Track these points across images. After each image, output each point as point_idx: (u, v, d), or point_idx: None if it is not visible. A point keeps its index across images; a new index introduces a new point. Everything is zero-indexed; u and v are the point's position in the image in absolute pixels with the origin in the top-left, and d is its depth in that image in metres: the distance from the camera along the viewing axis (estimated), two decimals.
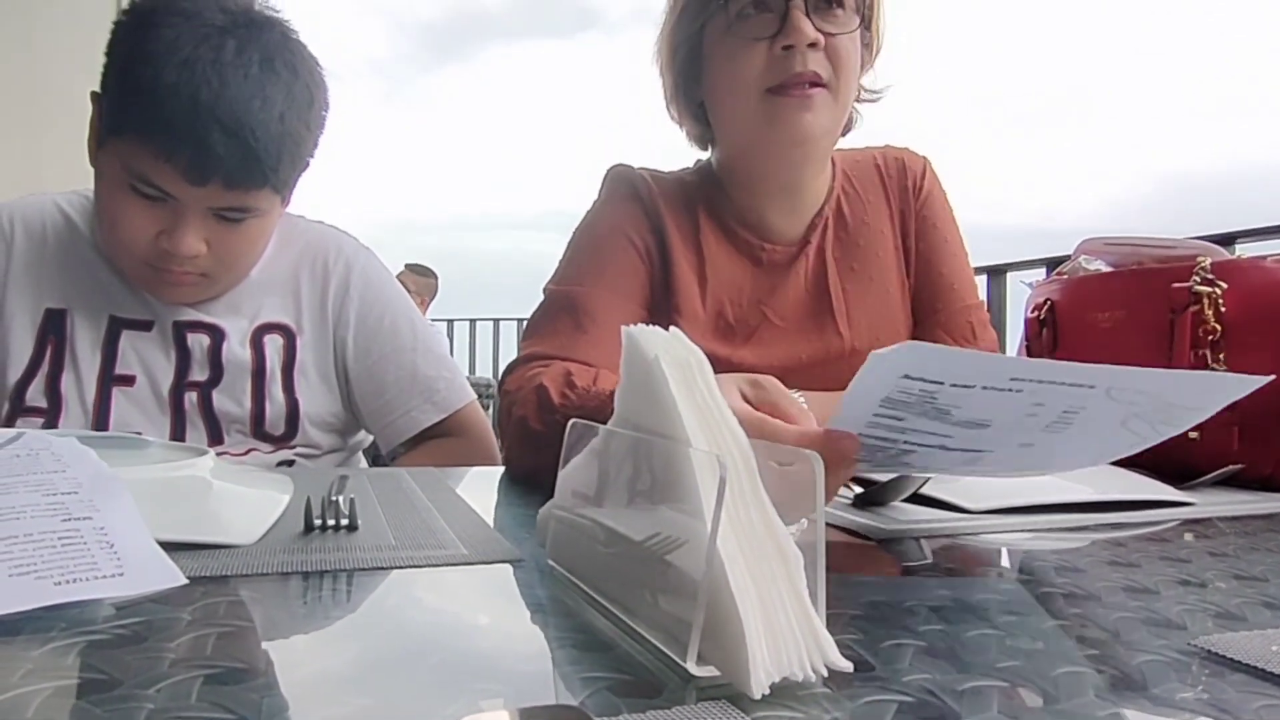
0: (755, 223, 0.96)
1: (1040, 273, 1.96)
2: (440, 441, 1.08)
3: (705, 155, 1.02)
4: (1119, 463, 0.79)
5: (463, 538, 0.49)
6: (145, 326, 0.98)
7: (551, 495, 0.45)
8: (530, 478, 0.79)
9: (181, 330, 0.98)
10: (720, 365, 0.97)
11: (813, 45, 0.83)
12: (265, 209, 0.93)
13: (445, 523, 0.54)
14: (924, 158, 1.03)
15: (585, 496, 0.43)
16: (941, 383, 0.43)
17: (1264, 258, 0.85)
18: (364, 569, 0.43)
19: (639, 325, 0.40)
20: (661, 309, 0.93)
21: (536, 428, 0.76)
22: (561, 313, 0.90)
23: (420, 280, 4.32)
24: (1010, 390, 0.43)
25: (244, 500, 0.52)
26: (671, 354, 0.38)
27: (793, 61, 0.84)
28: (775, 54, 0.84)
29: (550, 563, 0.45)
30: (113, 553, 0.36)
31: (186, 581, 0.37)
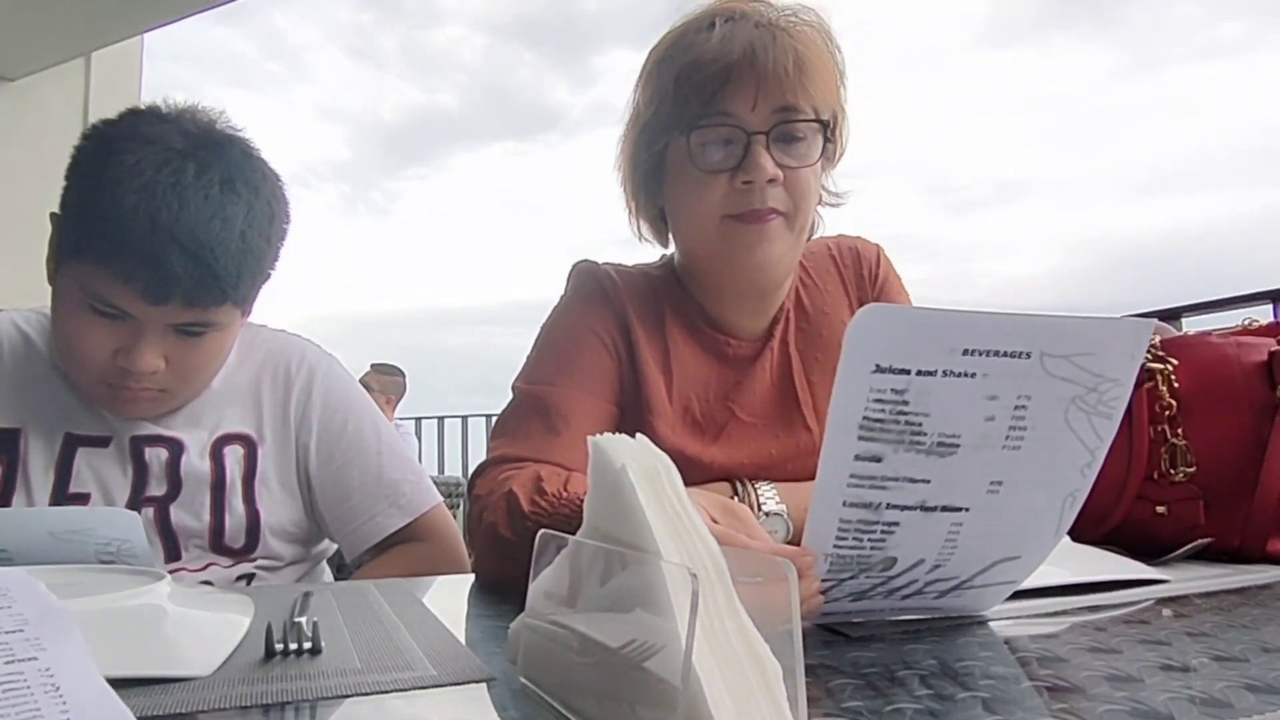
0: (719, 321, 0.96)
1: None
2: (407, 547, 1.06)
3: (668, 251, 1.02)
4: (1090, 542, 0.80)
5: (432, 656, 0.48)
6: (102, 443, 0.95)
7: (522, 605, 0.44)
8: (500, 585, 0.77)
9: (139, 445, 0.96)
10: (691, 464, 0.96)
11: (772, 181, 0.84)
12: (225, 323, 0.93)
13: (413, 640, 0.52)
14: (877, 245, 1.04)
15: (558, 604, 0.41)
16: (908, 370, 0.48)
17: (1209, 333, 0.88)
18: (327, 697, 0.41)
19: (605, 435, 0.40)
20: (631, 406, 0.92)
21: (506, 535, 0.75)
22: (532, 413, 0.89)
23: (386, 380, 4.28)
24: (966, 375, 0.49)
25: (201, 627, 0.49)
26: (639, 462, 0.38)
27: (752, 196, 0.84)
28: (736, 186, 0.84)
29: (522, 680, 0.43)
30: (59, 697, 0.34)
31: None
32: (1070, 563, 0.69)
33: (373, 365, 4.28)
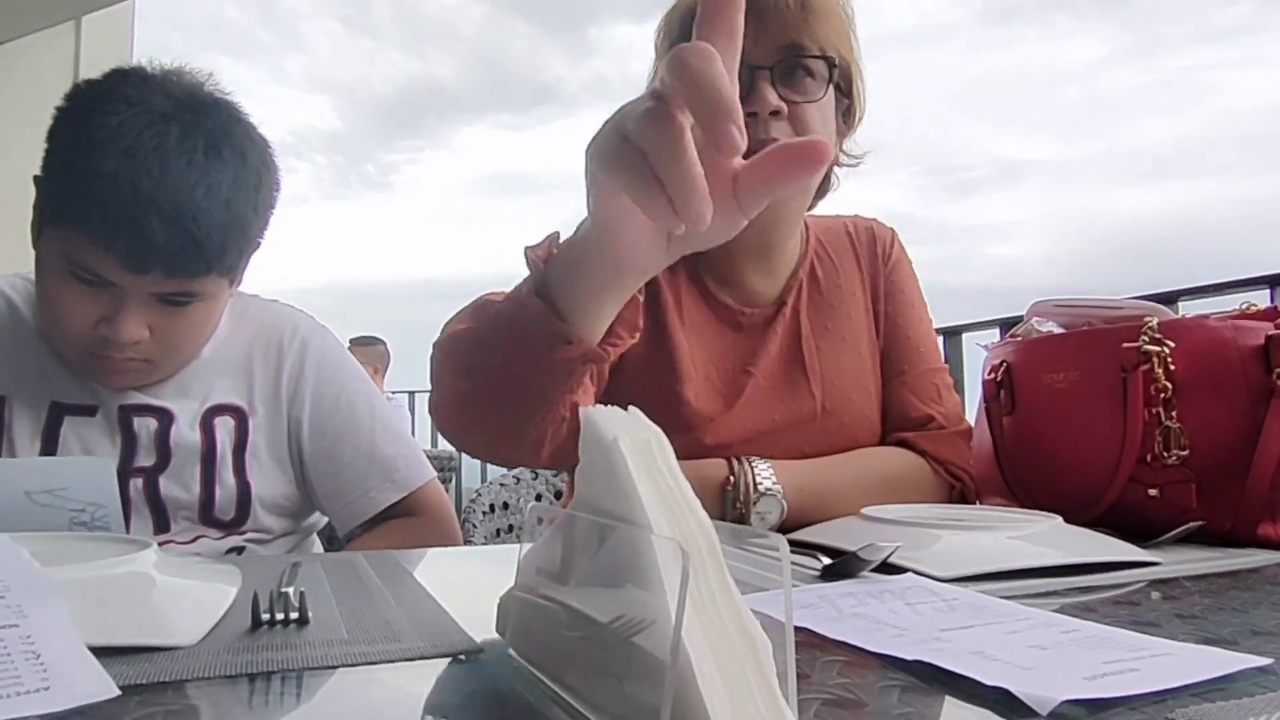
0: (733, 284, 0.98)
1: (994, 333, 2.00)
2: (399, 522, 1.06)
3: None
4: (1082, 524, 0.80)
5: (420, 628, 0.47)
6: (89, 412, 0.95)
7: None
8: (454, 406, 0.75)
9: (128, 415, 0.95)
10: (710, 429, 0.95)
11: (775, 113, 0.84)
12: (211, 293, 0.91)
13: (402, 611, 0.52)
14: (891, 228, 1.08)
15: (548, 578, 0.41)
16: None
17: (1207, 316, 0.88)
18: (313, 668, 0.41)
19: (597, 407, 0.39)
20: (658, 371, 0.92)
21: (461, 328, 0.72)
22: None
23: (369, 350, 4.25)
24: None
25: (187, 596, 0.49)
26: (631, 435, 0.37)
27: (756, 129, 0.84)
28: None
29: (510, 653, 0.43)
30: (39, 664, 0.34)
31: (119, 693, 0.35)
32: (1061, 544, 0.70)
33: (351, 340, 4.23)
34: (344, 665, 0.41)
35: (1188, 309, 1.84)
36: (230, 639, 0.44)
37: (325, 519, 1.11)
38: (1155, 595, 0.59)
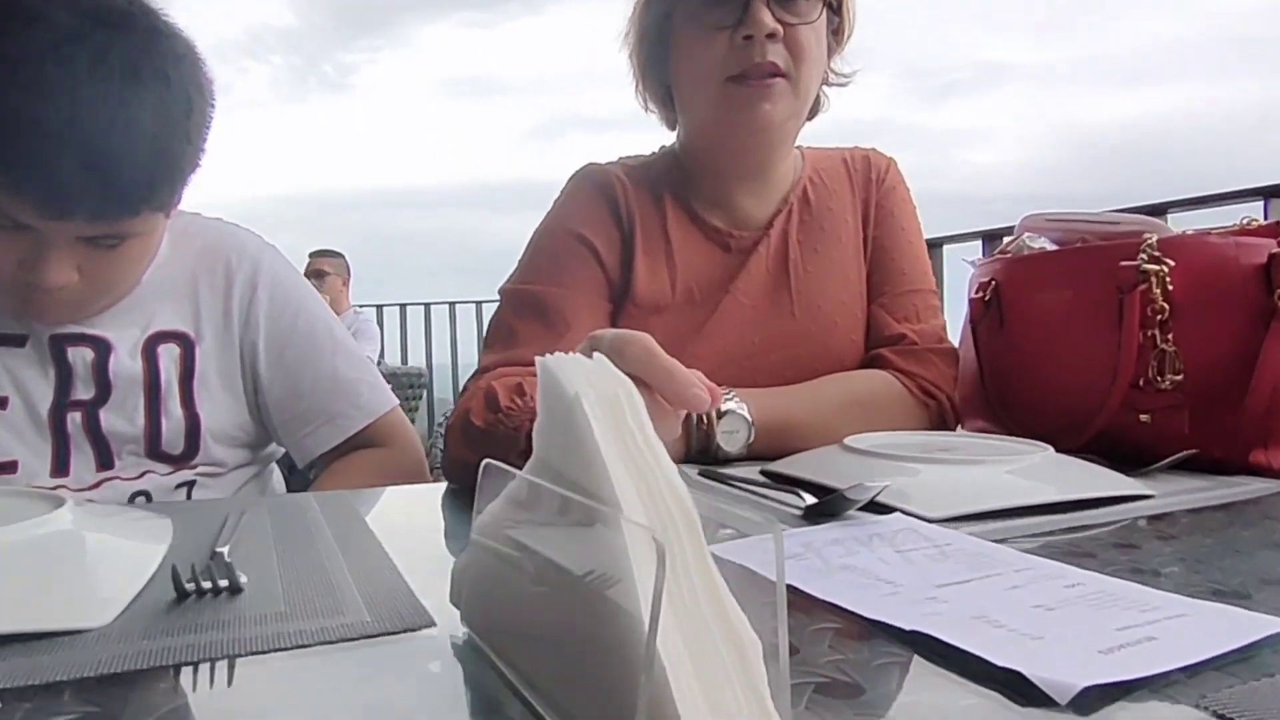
0: (724, 207, 0.96)
1: (975, 245, 1.95)
2: (365, 452, 1.01)
3: (670, 140, 1.03)
4: (1070, 450, 0.77)
5: (368, 597, 0.43)
6: (18, 342, 0.88)
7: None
8: (465, 477, 0.75)
9: (60, 344, 0.88)
10: (683, 351, 0.95)
11: (771, 36, 0.84)
12: (145, 230, 0.83)
13: (350, 575, 0.47)
14: (890, 158, 1.05)
15: (511, 524, 0.36)
16: None
17: (1208, 232, 0.83)
18: (241, 655, 0.36)
19: (556, 355, 0.34)
20: (628, 305, 0.92)
21: (477, 423, 0.74)
22: (530, 315, 0.89)
23: (336, 262, 4.13)
24: None
25: (100, 565, 0.44)
26: (597, 390, 0.32)
27: (752, 51, 0.84)
28: (736, 43, 0.85)
29: (464, 629, 0.38)
30: None
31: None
32: (1053, 478, 0.66)
33: (311, 254, 4.11)
34: (278, 649, 0.36)
35: (1178, 222, 1.81)
36: (148, 617, 0.39)
37: (284, 450, 1.06)
38: (1154, 537, 0.56)
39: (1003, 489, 0.62)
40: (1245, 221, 0.88)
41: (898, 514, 0.58)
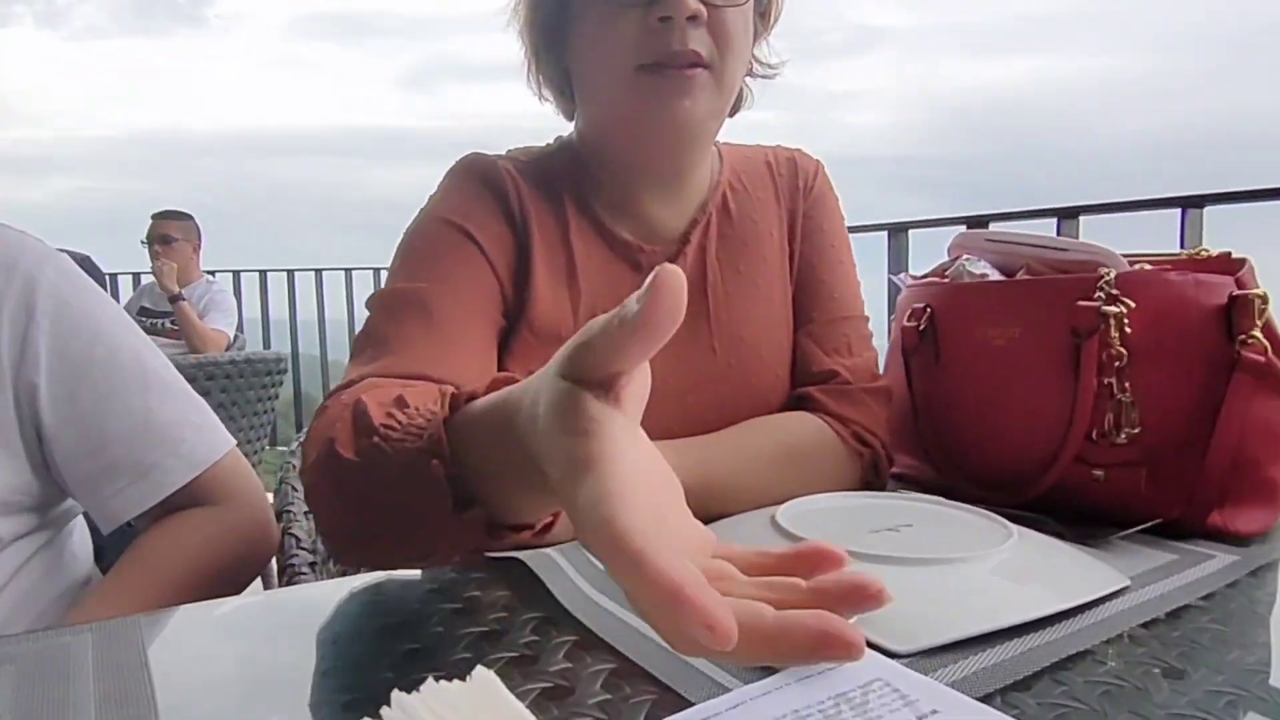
0: (632, 215, 0.82)
1: (881, 238, 1.86)
2: (191, 514, 0.82)
3: (568, 132, 0.86)
4: (1014, 506, 0.70)
5: None
6: None
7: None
8: (345, 541, 0.59)
9: None
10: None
11: (693, 19, 0.70)
12: None
13: None
14: (817, 160, 0.92)
15: None
16: None
17: (1166, 268, 0.76)
18: None
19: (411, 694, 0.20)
20: (525, 328, 0.77)
21: (345, 454, 0.54)
22: (408, 315, 0.71)
23: (186, 225, 3.70)
24: None
25: None
26: None
27: (670, 37, 0.70)
28: (651, 25, 0.70)
29: None
30: None
31: None
32: (1032, 576, 0.57)
33: (155, 216, 3.67)
34: None
35: (1089, 226, 1.79)
36: None
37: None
38: (1154, 669, 0.47)
39: (980, 607, 0.52)
40: (1196, 251, 0.81)
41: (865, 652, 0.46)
